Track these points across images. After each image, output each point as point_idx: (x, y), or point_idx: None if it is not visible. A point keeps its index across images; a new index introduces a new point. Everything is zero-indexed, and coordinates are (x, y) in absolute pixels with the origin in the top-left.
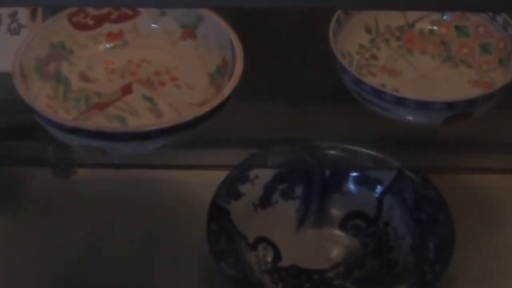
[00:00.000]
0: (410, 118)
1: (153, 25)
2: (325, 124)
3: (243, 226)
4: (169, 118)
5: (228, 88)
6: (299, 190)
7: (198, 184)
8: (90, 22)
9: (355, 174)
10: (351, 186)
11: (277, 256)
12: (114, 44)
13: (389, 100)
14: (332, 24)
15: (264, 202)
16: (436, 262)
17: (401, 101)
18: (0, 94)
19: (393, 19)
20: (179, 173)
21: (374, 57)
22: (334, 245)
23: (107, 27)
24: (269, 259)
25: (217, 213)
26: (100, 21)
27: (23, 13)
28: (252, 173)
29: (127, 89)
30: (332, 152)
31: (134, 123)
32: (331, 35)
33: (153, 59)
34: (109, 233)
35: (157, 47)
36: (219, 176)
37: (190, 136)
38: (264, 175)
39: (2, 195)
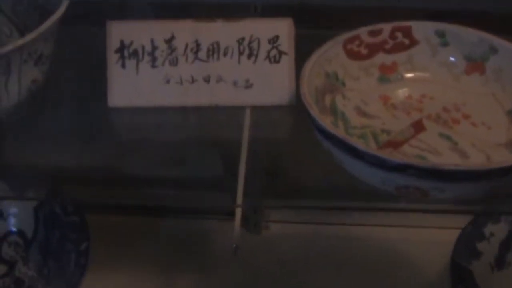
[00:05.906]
0: None
1: (431, 56)
2: None
3: None
4: (476, 159)
5: None
6: None
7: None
8: (364, 51)
9: None
10: None
11: None
12: (388, 77)
13: None
14: None
15: (499, 262)
16: None
17: None
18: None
19: None
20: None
21: None
22: None
23: (380, 58)
24: None
25: (462, 274)
26: (374, 50)
27: (285, 39)
28: (487, 230)
29: (419, 126)
30: None
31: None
32: None
33: (436, 94)
34: None
35: (436, 82)
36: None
37: None
38: (499, 232)
39: (189, 250)
